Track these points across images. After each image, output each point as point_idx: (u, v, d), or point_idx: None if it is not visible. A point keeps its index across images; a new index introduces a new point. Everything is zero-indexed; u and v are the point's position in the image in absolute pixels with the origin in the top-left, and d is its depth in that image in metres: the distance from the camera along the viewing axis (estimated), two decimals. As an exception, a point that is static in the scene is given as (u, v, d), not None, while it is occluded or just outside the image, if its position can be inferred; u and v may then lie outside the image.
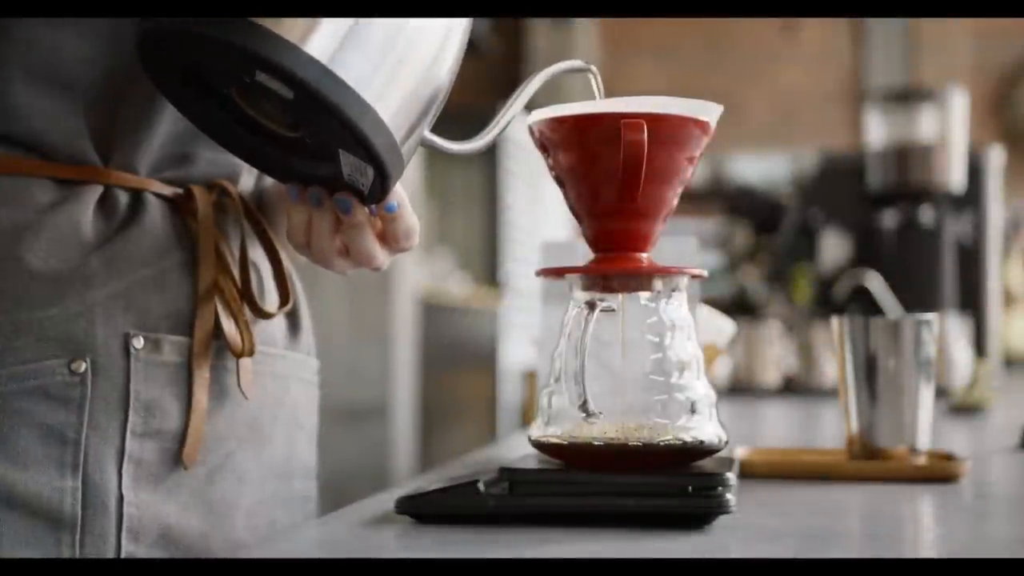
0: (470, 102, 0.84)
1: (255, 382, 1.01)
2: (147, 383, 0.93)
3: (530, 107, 0.88)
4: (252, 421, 1.01)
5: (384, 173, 0.81)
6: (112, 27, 0.93)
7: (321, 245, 0.91)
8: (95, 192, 0.95)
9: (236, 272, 1.00)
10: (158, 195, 0.98)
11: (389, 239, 0.92)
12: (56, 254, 0.92)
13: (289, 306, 1.04)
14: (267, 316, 1.01)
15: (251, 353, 0.98)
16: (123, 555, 0.92)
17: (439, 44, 0.81)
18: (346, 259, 0.93)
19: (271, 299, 1.04)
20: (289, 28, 0.74)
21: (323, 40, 0.75)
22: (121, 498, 0.92)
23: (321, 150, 0.83)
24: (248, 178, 1.06)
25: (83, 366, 0.91)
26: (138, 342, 0.93)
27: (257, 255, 1.04)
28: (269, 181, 1.12)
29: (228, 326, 0.97)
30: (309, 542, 0.79)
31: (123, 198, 0.96)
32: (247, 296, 0.99)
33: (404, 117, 0.80)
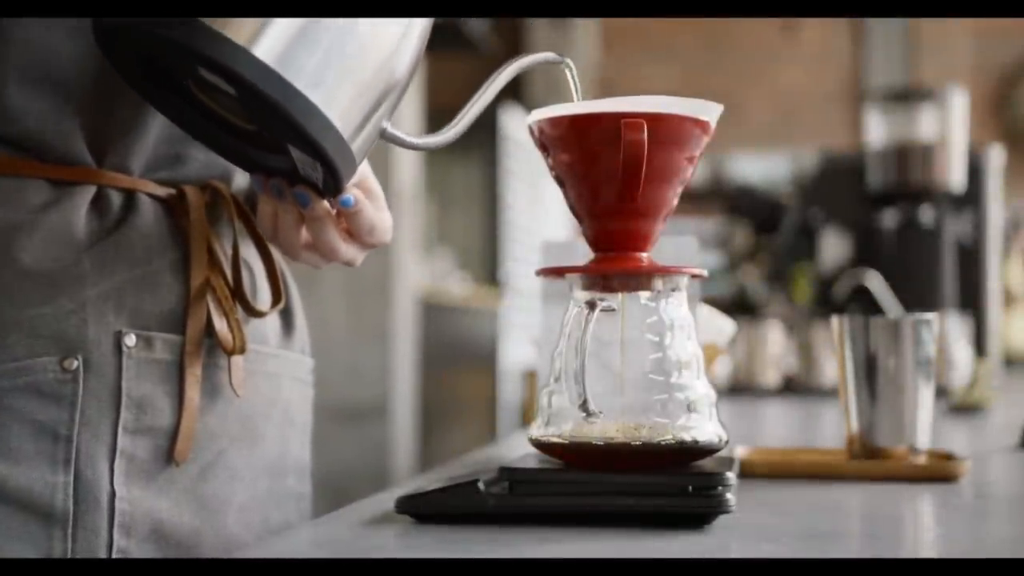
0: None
1: (248, 380, 1.01)
2: (139, 381, 0.94)
3: (530, 106, 0.88)
4: (244, 419, 1.02)
5: (333, 170, 0.82)
6: None
7: (287, 236, 0.95)
8: (88, 192, 0.96)
9: (228, 271, 1.00)
10: (151, 195, 0.99)
11: (353, 234, 0.94)
12: (49, 253, 0.92)
13: (281, 305, 1.04)
14: (259, 314, 1.01)
15: (242, 351, 0.98)
16: (115, 550, 0.92)
17: (396, 40, 0.82)
18: (313, 252, 0.95)
19: (264, 298, 1.05)
20: (237, 28, 0.75)
21: (272, 40, 0.76)
22: (113, 494, 0.92)
23: (276, 144, 0.84)
24: (241, 178, 1.06)
25: (75, 364, 0.92)
26: (130, 340, 0.94)
27: (250, 254, 1.04)
28: None
29: (220, 324, 0.97)
30: (308, 542, 0.79)
31: (116, 198, 0.97)
32: (239, 295, 1.00)
33: (355, 114, 0.80)
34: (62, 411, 0.91)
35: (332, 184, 0.84)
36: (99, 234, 0.95)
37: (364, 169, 0.94)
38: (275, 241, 0.96)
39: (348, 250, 0.95)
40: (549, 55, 0.90)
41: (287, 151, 0.84)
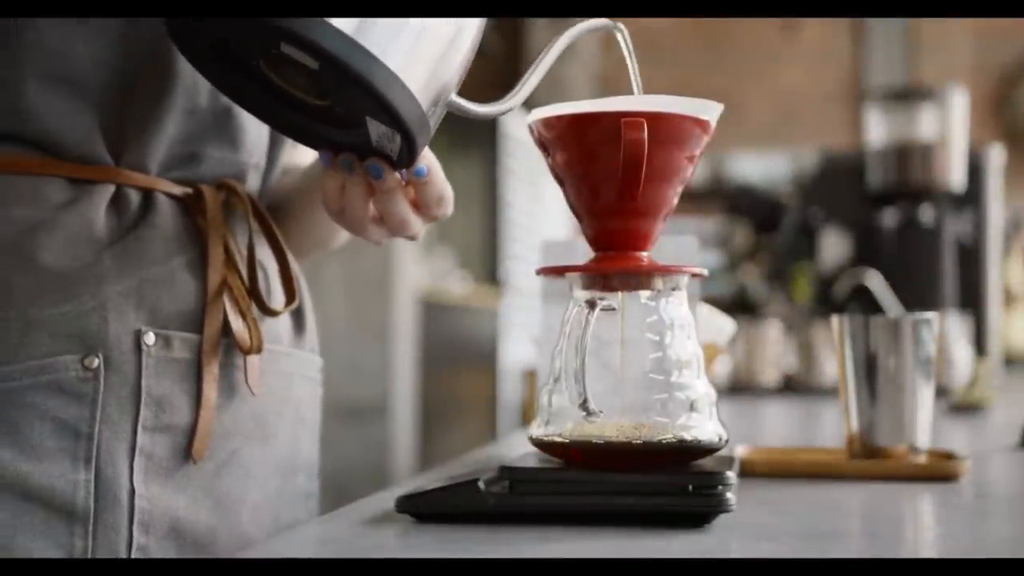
0: (470, 100, 0.83)
1: (262, 379, 1.02)
2: (158, 379, 0.95)
3: (531, 106, 0.88)
4: (258, 417, 1.02)
5: (411, 139, 0.82)
6: (121, 28, 0.94)
7: (355, 211, 0.94)
8: (107, 191, 0.96)
9: (244, 271, 1.01)
10: (168, 194, 0.99)
11: (422, 205, 0.94)
12: (69, 252, 0.93)
13: (295, 304, 1.05)
14: (274, 314, 1.02)
15: (259, 350, 0.99)
16: (135, 547, 0.93)
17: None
18: (380, 226, 0.95)
19: (277, 297, 1.05)
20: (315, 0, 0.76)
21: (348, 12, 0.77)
22: (133, 491, 0.93)
23: (349, 118, 0.85)
24: (255, 178, 1.07)
25: (96, 362, 0.92)
26: (149, 338, 0.95)
27: (264, 254, 1.05)
28: (274, 180, 1.13)
29: (237, 324, 0.98)
30: (309, 541, 0.79)
31: (134, 197, 0.98)
32: (255, 294, 1.00)
33: (430, 83, 0.81)
34: (83, 409, 0.92)
35: (407, 153, 0.85)
36: (118, 232, 0.96)
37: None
38: (341, 218, 0.95)
39: (416, 222, 0.95)
40: (603, 21, 0.90)
41: (359, 125, 0.84)
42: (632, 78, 0.91)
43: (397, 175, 0.90)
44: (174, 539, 0.96)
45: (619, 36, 0.90)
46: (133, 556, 0.93)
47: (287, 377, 1.06)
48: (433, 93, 0.82)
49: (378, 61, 0.77)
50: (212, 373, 0.97)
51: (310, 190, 1.11)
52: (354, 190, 0.92)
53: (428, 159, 0.91)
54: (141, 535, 0.93)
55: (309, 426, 1.11)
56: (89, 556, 0.91)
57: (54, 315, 0.92)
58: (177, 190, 1.00)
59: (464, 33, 0.83)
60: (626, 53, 0.90)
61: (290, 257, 1.06)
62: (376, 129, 0.84)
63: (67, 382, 0.92)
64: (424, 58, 0.80)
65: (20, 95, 0.93)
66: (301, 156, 1.17)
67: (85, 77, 0.94)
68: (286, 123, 0.90)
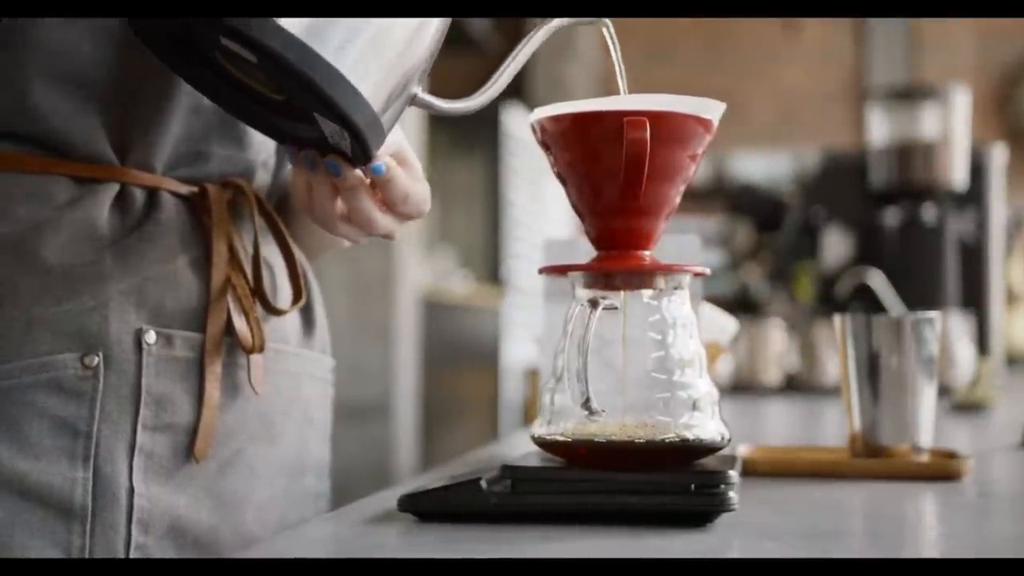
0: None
1: (268, 379, 1.02)
2: (159, 378, 0.95)
3: (533, 105, 0.88)
4: (263, 417, 1.02)
5: (361, 138, 0.81)
6: (125, 28, 0.94)
7: (322, 208, 0.93)
8: (112, 190, 0.96)
9: (249, 269, 1.00)
10: (173, 193, 0.99)
11: (387, 204, 0.93)
12: (72, 250, 0.93)
13: (302, 303, 1.04)
14: (279, 313, 1.02)
15: (261, 349, 0.99)
16: (133, 546, 0.93)
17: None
18: (349, 224, 0.94)
19: (284, 296, 1.05)
20: None
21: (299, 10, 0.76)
22: (132, 490, 0.93)
23: (305, 114, 0.84)
24: (263, 175, 1.07)
25: (95, 360, 0.92)
26: (150, 337, 0.94)
27: (271, 253, 1.05)
28: (285, 178, 1.13)
29: (239, 323, 0.98)
30: (311, 540, 0.79)
31: (139, 196, 0.97)
32: (259, 293, 1.00)
33: (384, 81, 0.80)
34: (82, 407, 0.92)
35: (361, 152, 0.84)
36: (122, 231, 0.96)
37: (399, 140, 0.93)
38: (311, 214, 0.95)
39: (384, 220, 0.93)
40: (585, 18, 0.89)
41: (315, 121, 0.83)
42: (618, 74, 0.91)
43: (358, 172, 0.89)
44: (174, 538, 0.95)
45: (604, 32, 0.90)
46: (132, 555, 0.93)
47: (295, 377, 1.06)
48: (386, 89, 0.80)
49: (318, 57, 0.76)
50: (215, 372, 0.97)
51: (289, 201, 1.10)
52: (320, 187, 0.92)
53: (394, 157, 0.90)
54: (140, 534, 0.93)
55: (318, 427, 1.10)
56: (87, 555, 0.91)
57: (56, 313, 0.92)
58: (182, 189, 1.00)
59: (426, 26, 0.81)
60: (612, 49, 0.90)
61: (298, 256, 1.06)
62: (327, 126, 0.83)
63: (66, 380, 0.92)
64: (377, 54, 0.79)
65: (25, 94, 0.93)
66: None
67: (90, 76, 0.94)
68: (252, 117, 0.89)
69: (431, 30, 0.82)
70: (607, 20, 0.89)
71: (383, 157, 0.89)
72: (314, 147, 0.87)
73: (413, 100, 0.84)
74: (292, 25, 0.75)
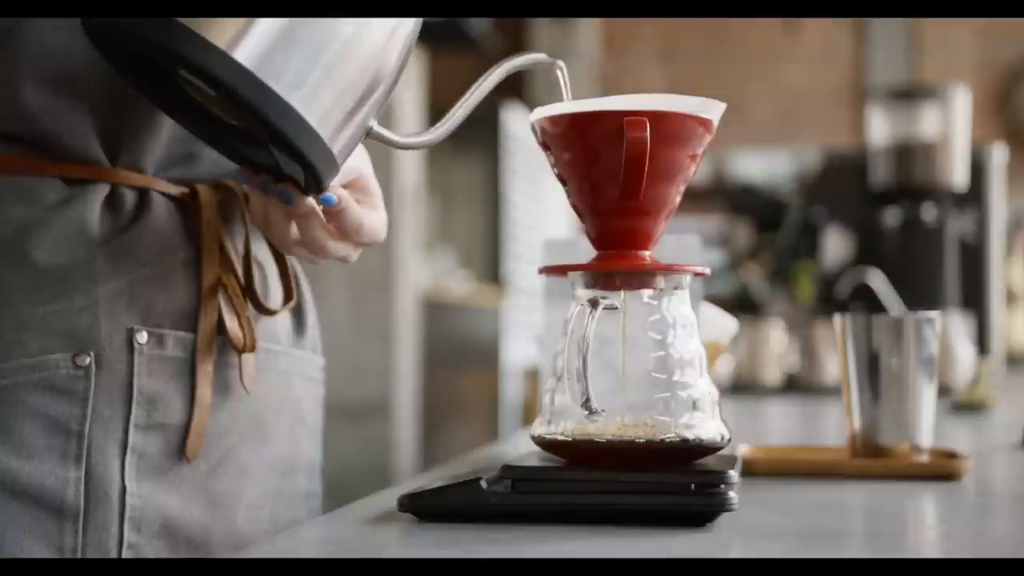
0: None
1: (259, 378, 1.02)
2: (150, 377, 0.95)
3: (532, 105, 0.88)
4: (255, 416, 1.02)
5: (311, 170, 0.82)
6: None
7: (277, 231, 0.95)
8: (102, 191, 0.96)
9: (240, 269, 1.01)
10: (164, 194, 0.99)
11: (342, 234, 0.94)
12: (63, 251, 0.93)
13: (292, 303, 1.05)
14: (270, 313, 1.02)
15: (252, 349, 0.99)
16: (125, 545, 0.93)
17: (382, 40, 0.82)
18: (304, 248, 0.95)
19: (275, 297, 1.05)
20: (220, 28, 0.76)
21: (255, 40, 0.76)
22: (124, 489, 0.93)
23: (262, 141, 0.85)
24: None
25: (87, 360, 0.92)
26: (142, 337, 0.95)
27: (262, 253, 1.05)
28: None
29: (231, 322, 0.98)
30: (311, 540, 0.79)
31: (130, 196, 0.98)
32: (250, 293, 1.00)
33: (337, 114, 0.81)
34: (74, 407, 0.92)
35: (313, 183, 0.85)
36: (113, 232, 0.96)
37: (360, 167, 0.94)
38: (267, 236, 0.97)
39: (338, 247, 0.95)
40: (540, 56, 0.90)
41: (269, 149, 0.84)
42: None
43: (310, 201, 0.89)
44: (166, 537, 0.96)
45: (559, 73, 0.90)
46: (124, 554, 0.93)
47: (286, 376, 1.06)
48: (338, 122, 0.81)
49: (270, 91, 0.76)
50: (206, 372, 0.97)
51: None
52: (274, 211, 0.93)
53: (341, 189, 0.90)
54: (132, 533, 0.93)
55: (310, 426, 1.11)
56: (79, 554, 0.92)
57: (46, 313, 0.92)
58: (173, 189, 1.00)
59: (383, 60, 0.82)
60: (564, 90, 0.89)
61: (288, 257, 1.06)
62: (281, 157, 0.84)
63: (58, 380, 0.92)
64: (330, 87, 0.79)
65: (16, 96, 0.93)
66: None
67: (80, 78, 0.94)
68: (212, 138, 0.90)
69: (390, 62, 0.82)
70: (560, 62, 0.89)
71: (335, 188, 0.90)
72: (271, 172, 0.88)
73: (369, 133, 0.85)
74: (246, 57, 0.76)
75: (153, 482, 0.95)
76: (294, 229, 0.94)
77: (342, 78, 0.80)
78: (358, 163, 0.93)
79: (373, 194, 0.96)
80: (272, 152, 0.84)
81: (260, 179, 0.89)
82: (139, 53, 0.83)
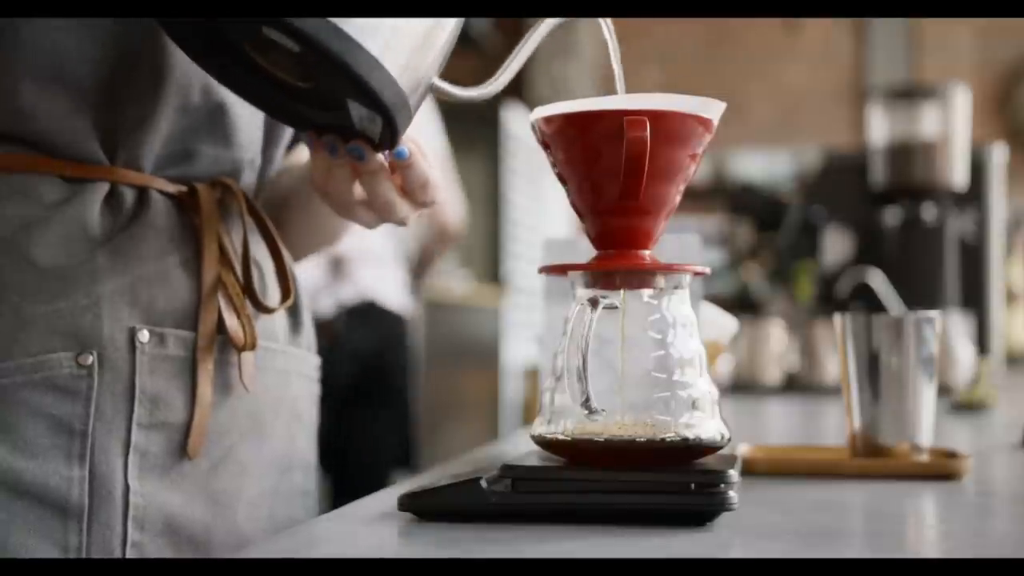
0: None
1: (257, 376, 1.02)
2: (152, 376, 0.95)
3: (533, 104, 0.89)
4: (254, 414, 1.02)
5: (391, 121, 0.83)
6: (114, 26, 0.94)
7: (341, 193, 0.95)
8: (102, 189, 0.97)
9: (239, 268, 1.01)
10: (163, 192, 0.99)
11: (407, 190, 0.94)
12: (63, 250, 0.93)
13: (290, 301, 1.05)
14: (268, 311, 1.02)
15: (253, 347, 0.99)
16: (129, 544, 0.93)
17: None
18: (368, 210, 0.95)
19: (273, 295, 1.05)
20: None
21: None
22: (127, 488, 0.93)
23: (332, 100, 0.86)
24: (250, 175, 1.07)
25: (90, 359, 0.93)
26: (143, 336, 0.95)
27: (259, 252, 1.05)
28: (276, 176, 1.13)
29: (231, 321, 0.98)
30: (311, 539, 0.79)
31: (129, 195, 0.98)
32: (249, 291, 1.01)
33: (410, 65, 0.82)
34: (77, 406, 0.92)
35: (388, 136, 0.86)
36: (113, 230, 0.96)
37: (412, 132, 0.94)
38: (329, 199, 0.96)
39: (402, 206, 0.95)
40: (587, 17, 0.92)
41: (342, 107, 0.85)
42: (615, 68, 0.91)
43: (380, 157, 0.91)
44: (169, 536, 0.96)
45: (604, 28, 0.91)
46: (128, 553, 0.93)
47: (283, 375, 1.06)
48: (414, 75, 0.83)
49: (358, 45, 0.78)
50: (207, 370, 0.97)
51: (304, 187, 1.11)
52: (339, 172, 0.93)
53: (412, 144, 0.92)
54: (135, 532, 0.94)
55: (306, 424, 1.11)
56: (84, 553, 0.92)
57: (48, 312, 0.92)
58: (172, 188, 1.00)
59: (445, 19, 0.84)
60: (610, 44, 0.91)
61: (285, 255, 1.06)
62: (357, 111, 0.85)
63: (61, 379, 0.92)
64: (405, 41, 0.81)
65: (15, 95, 0.93)
66: (305, 153, 1.18)
67: (79, 76, 0.94)
68: (271, 104, 0.91)
69: (451, 21, 0.85)
70: (607, 20, 0.91)
71: (406, 142, 0.90)
72: (335, 133, 0.89)
73: (432, 87, 0.86)
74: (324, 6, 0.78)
75: (156, 480, 0.95)
76: (357, 190, 0.94)
77: (414, 31, 0.82)
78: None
79: (428, 155, 0.96)
80: (341, 111, 0.85)
81: (328, 140, 0.90)
82: (210, 26, 0.84)
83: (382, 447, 3.02)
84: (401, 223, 0.97)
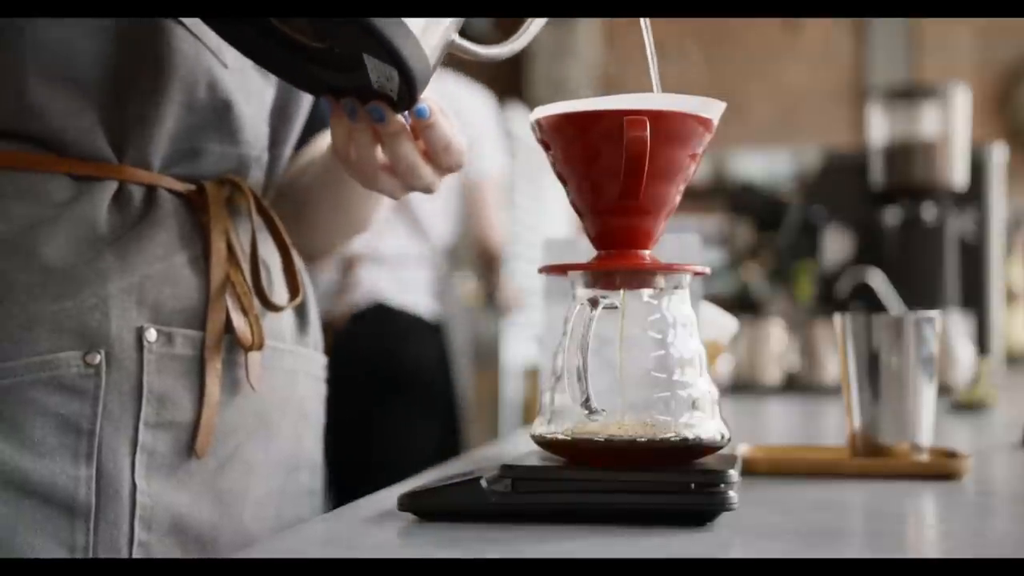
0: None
1: (264, 376, 1.02)
2: (160, 375, 0.95)
3: (533, 105, 0.89)
4: (261, 414, 1.02)
5: (410, 76, 0.82)
6: (119, 23, 0.94)
7: (364, 159, 0.92)
8: (110, 188, 0.97)
9: (247, 267, 1.01)
10: (171, 191, 0.99)
11: (430, 153, 0.92)
12: (71, 248, 0.93)
13: (298, 300, 1.05)
14: (276, 309, 1.02)
15: (260, 347, 0.99)
16: (136, 543, 0.93)
17: None
18: (392, 176, 0.93)
19: (280, 293, 1.05)
20: None
21: None
22: (134, 487, 0.93)
23: (349, 59, 0.84)
24: (257, 172, 1.07)
25: (98, 358, 0.93)
26: (151, 335, 0.95)
27: (267, 250, 1.05)
28: (287, 173, 1.13)
29: (238, 320, 0.98)
30: (311, 540, 0.79)
31: (137, 193, 0.98)
32: (257, 290, 1.00)
33: (432, 25, 0.82)
34: (84, 405, 0.92)
35: (407, 93, 0.84)
36: (121, 229, 0.96)
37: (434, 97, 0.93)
38: (352, 167, 0.93)
39: (426, 170, 0.92)
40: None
41: (358, 67, 0.84)
42: (651, 68, 0.91)
43: (400, 118, 0.89)
44: (176, 535, 0.96)
45: (643, 27, 0.91)
46: (135, 552, 0.93)
47: (290, 374, 1.06)
48: (433, 31, 0.82)
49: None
50: (215, 370, 0.97)
51: (330, 169, 1.10)
52: (361, 137, 0.91)
53: (432, 104, 0.89)
54: (142, 531, 0.94)
55: (312, 424, 1.11)
56: (91, 552, 0.92)
57: (56, 311, 0.92)
58: (179, 186, 1.00)
59: None
60: (647, 44, 0.90)
61: (294, 253, 1.06)
62: (375, 68, 0.83)
63: (68, 378, 0.92)
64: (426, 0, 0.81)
65: (22, 93, 0.93)
66: (322, 145, 1.16)
67: (86, 74, 0.94)
68: (286, 68, 0.90)
69: None
70: None
71: (427, 99, 0.88)
72: (353, 95, 0.88)
73: (452, 45, 0.85)
74: None
75: (163, 480, 0.95)
76: (380, 155, 0.92)
77: None
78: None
79: (451, 117, 0.93)
80: (358, 72, 0.84)
81: (346, 102, 0.88)
82: None
83: (404, 448, 2.99)
84: (427, 190, 0.94)
